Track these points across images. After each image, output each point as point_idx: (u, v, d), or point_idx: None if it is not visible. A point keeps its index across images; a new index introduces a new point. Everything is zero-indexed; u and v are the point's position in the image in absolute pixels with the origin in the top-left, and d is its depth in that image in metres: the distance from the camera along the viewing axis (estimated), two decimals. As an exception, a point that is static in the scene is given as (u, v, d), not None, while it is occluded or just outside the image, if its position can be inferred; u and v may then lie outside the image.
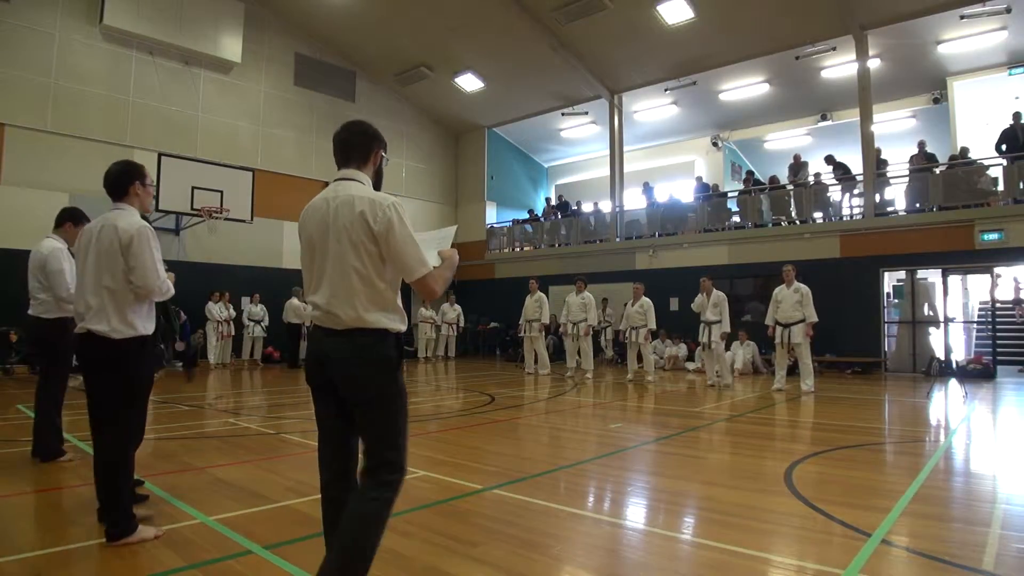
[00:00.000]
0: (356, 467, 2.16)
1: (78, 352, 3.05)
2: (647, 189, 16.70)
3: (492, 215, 19.61)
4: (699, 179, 16.17)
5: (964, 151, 12.29)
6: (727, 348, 10.28)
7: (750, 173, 15.71)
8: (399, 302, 2.12)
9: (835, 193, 13.57)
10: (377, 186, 2.24)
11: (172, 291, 3.14)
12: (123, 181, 3.12)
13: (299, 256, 2.25)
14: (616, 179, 16.86)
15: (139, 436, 3.09)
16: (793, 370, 9.82)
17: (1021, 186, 11.17)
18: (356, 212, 2.03)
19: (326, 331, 2.08)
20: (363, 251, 2.03)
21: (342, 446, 2.14)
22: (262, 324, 13.84)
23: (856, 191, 13.25)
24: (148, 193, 3.23)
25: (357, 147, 2.22)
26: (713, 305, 9.56)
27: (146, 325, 3.06)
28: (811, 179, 13.84)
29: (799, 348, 8.85)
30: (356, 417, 2.08)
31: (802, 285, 8.87)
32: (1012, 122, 11.61)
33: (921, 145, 12.69)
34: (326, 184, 2.22)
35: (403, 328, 2.11)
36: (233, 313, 13.52)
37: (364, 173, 2.21)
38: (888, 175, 13.02)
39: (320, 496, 2.17)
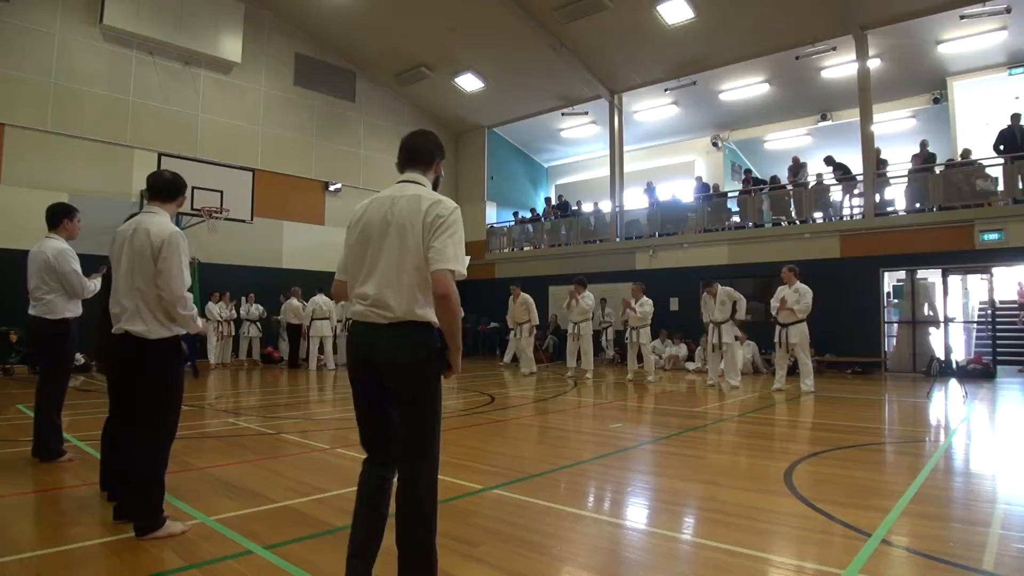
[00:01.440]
0: (395, 448, 2.23)
1: (114, 353, 3.10)
2: (649, 189, 16.68)
3: (492, 215, 19.61)
4: (699, 179, 16.16)
5: (966, 152, 12.28)
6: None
7: (748, 172, 15.71)
8: None
9: (835, 193, 13.57)
10: None
11: (193, 314, 3.11)
12: (175, 191, 3.28)
13: (348, 247, 2.31)
14: (616, 179, 16.86)
15: (173, 434, 3.13)
16: (793, 370, 9.81)
17: (1021, 186, 11.17)
18: (423, 208, 2.12)
19: (372, 325, 2.14)
20: (423, 246, 2.10)
21: (383, 430, 2.23)
22: (257, 324, 13.85)
23: (856, 191, 13.25)
24: (180, 205, 3.41)
25: (424, 153, 2.33)
26: (721, 303, 9.52)
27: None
28: (811, 180, 13.85)
29: (796, 348, 8.87)
30: (397, 409, 2.17)
31: (802, 285, 8.87)
32: (1010, 123, 11.61)
33: (923, 144, 12.68)
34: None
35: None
36: (234, 313, 13.53)
37: (426, 178, 2.32)
38: (888, 175, 13.02)
39: (360, 475, 2.27)
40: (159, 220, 3.09)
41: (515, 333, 12.17)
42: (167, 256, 2.96)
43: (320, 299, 12.50)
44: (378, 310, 2.12)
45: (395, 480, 2.22)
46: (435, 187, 2.36)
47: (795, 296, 8.81)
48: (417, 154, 2.32)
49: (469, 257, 2.59)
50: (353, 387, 2.27)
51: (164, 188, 3.23)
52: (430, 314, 2.13)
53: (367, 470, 2.26)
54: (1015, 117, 11.57)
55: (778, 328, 9.00)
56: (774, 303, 9.10)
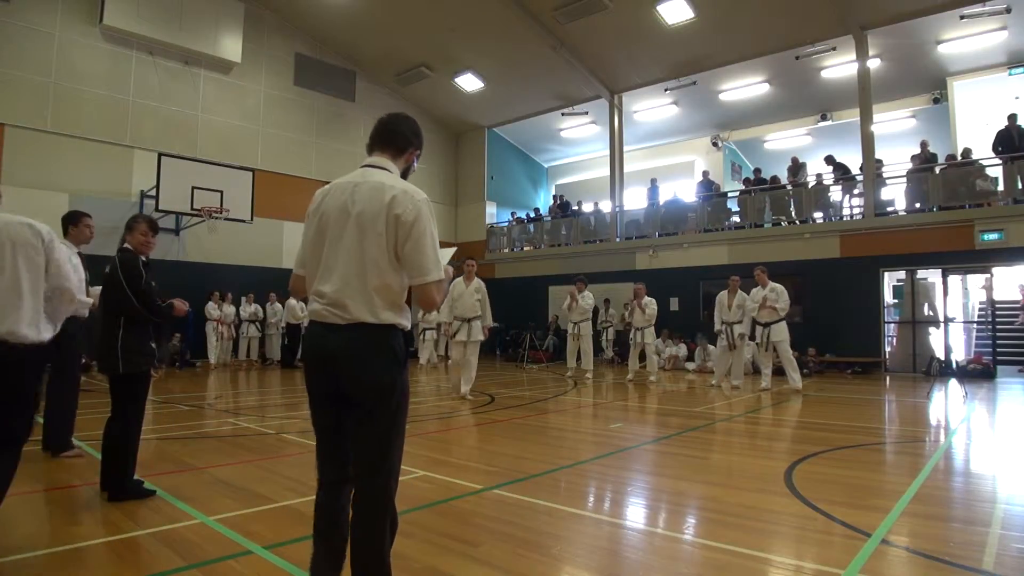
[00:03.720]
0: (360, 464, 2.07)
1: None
2: (653, 187, 16.61)
3: (492, 215, 19.62)
4: (705, 173, 16.04)
5: (967, 152, 12.27)
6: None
7: (758, 171, 15.66)
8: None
9: (835, 193, 13.57)
10: None
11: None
12: None
13: (305, 239, 2.09)
14: (616, 179, 16.87)
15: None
16: (782, 369, 9.78)
17: (1020, 186, 11.17)
18: (386, 200, 1.92)
19: (329, 326, 1.96)
20: (385, 244, 1.93)
21: (341, 448, 2.05)
22: (256, 324, 13.86)
23: (856, 191, 13.25)
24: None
25: (399, 136, 2.12)
26: (737, 306, 9.58)
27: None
28: (811, 179, 13.85)
29: (780, 346, 8.94)
30: (356, 416, 1.98)
31: (777, 284, 9.02)
32: (1007, 123, 11.61)
33: (924, 145, 12.67)
34: (326, 184, 2.17)
35: (408, 326, 2.05)
36: (232, 313, 13.53)
37: (395, 164, 2.10)
38: (888, 175, 13.02)
39: (316, 497, 2.08)
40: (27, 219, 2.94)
41: (454, 332, 8.27)
42: (58, 253, 2.88)
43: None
44: (336, 310, 1.94)
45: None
46: (404, 177, 2.13)
47: (773, 296, 8.91)
48: (390, 136, 2.10)
49: (455, 249, 2.42)
50: (310, 395, 2.07)
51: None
52: (392, 317, 1.96)
53: (325, 493, 2.04)
54: (1012, 117, 11.57)
55: (760, 328, 9.10)
56: (751, 304, 9.21)
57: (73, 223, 4.49)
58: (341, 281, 1.94)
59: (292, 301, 13.43)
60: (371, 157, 2.10)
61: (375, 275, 1.93)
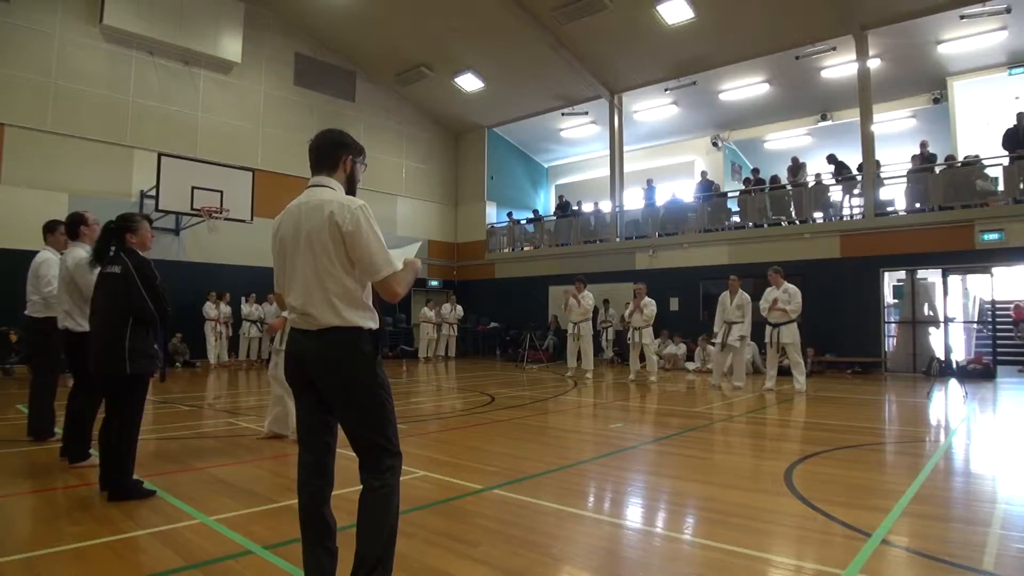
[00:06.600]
0: (333, 464, 2.21)
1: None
2: (649, 187, 16.63)
3: (492, 215, 19.62)
4: (704, 174, 16.05)
5: (974, 158, 12.21)
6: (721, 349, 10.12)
7: (755, 171, 15.66)
8: (370, 301, 2.18)
9: (835, 193, 13.56)
10: (351, 192, 2.27)
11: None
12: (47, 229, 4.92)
13: (273, 260, 2.30)
14: (616, 179, 16.86)
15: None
16: (786, 370, 9.78)
17: (1021, 186, 11.16)
18: (325, 215, 2.09)
19: (302, 332, 2.14)
20: (333, 254, 2.09)
21: (321, 444, 2.19)
22: (258, 324, 13.85)
23: (856, 191, 13.25)
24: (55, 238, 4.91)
25: (324, 155, 2.27)
26: (737, 307, 9.56)
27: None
28: (811, 179, 13.85)
29: (789, 348, 8.92)
30: (340, 415, 2.14)
31: (790, 285, 8.94)
32: (1016, 122, 11.57)
33: (923, 145, 12.66)
34: None
35: (375, 326, 2.17)
36: (229, 313, 13.52)
37: (334, 179, 2.26)
38: (888, 175, 13.01)
39: (298, 495, 2.16)
40: (43, 254, 4.81)
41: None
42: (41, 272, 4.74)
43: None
44: (306, 319, 2.11)
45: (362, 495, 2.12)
46: (351, 184, 2.28)
47: (785, 297, 8.86)
48: (319, 155, 2.26)
49: (419, 243, 2.56)
50: (293, 388, 2.23)
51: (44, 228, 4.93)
52: (356, 318, 2.10)
53: (307, 497, 2.13)
54: (1021, 116, 11.49)
55: (769, 328, 9.07)
56: (763, 304, 9.15)
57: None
58: (304, 293, 2.12)
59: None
60: (313, 178, 2.27)
61: (331, 282, 2.09)
